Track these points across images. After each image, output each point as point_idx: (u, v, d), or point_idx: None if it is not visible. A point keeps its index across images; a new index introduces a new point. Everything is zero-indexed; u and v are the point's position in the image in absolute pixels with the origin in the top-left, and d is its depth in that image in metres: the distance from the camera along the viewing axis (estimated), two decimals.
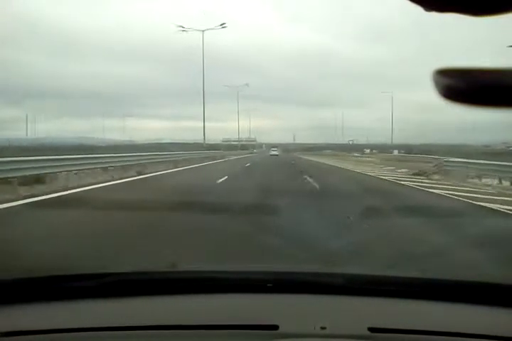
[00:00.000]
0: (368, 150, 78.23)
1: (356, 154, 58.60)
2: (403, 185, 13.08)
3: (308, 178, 13.73)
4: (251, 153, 66.35)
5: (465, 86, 0.44)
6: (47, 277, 1.41)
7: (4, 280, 1.38)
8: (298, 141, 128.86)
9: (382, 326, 1.18)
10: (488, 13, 0.41)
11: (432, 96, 0.47)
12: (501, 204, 8.41)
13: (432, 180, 15.00)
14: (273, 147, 72.01)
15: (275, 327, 1.14)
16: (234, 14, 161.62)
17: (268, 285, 1.39)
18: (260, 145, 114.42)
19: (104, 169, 14.25)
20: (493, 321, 1.25)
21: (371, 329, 1.15)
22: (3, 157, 10.55)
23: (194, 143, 53.42)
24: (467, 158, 16.77)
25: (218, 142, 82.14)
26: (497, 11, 0.41)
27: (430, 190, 11.20)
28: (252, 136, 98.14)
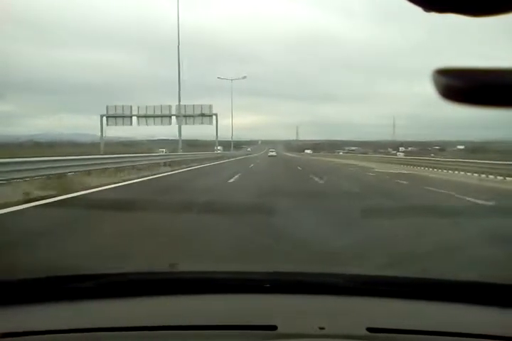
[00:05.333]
0: (402, 149, 72.12)
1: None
2: None
3: None
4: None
5: (465, 86, 0.44)
6: (47, 278, 1.41)
7: (5, 280, 1.38)
8: (301, 137, 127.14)
9: (381, 326, 1.18)
10: (488, 13, 0.41)
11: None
12: None
13: None
14: (271, 148, 72.60)
15: (273, 328, 1.14)
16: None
17: (266, 285, 1.39)
18: (255, 142, 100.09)
19: None
20: (492, 321, 1.25)
21: (370, 330, 1.15)
22: None
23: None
24: None
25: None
26: (497, 11, 0.41)
27: None
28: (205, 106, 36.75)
